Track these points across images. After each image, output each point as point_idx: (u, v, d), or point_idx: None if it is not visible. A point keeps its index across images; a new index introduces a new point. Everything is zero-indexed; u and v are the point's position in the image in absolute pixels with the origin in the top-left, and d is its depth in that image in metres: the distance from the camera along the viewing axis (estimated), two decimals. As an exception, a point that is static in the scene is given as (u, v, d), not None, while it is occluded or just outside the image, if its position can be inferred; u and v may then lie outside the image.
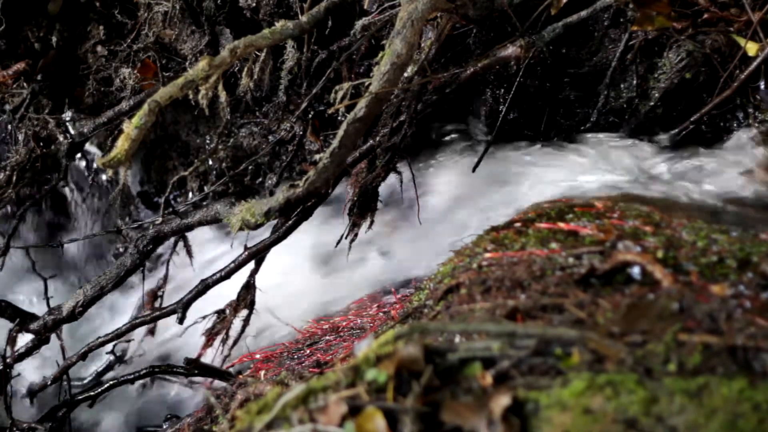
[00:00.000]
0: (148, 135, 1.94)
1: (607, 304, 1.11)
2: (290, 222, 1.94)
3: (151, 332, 2.51)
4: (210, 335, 2.08)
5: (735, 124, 2.27)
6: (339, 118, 2.34)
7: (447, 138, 2.56)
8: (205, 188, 2.92)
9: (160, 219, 2.02)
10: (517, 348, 0.93)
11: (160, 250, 2.33)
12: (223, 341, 2.09)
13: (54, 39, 2.72)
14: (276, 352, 2.25)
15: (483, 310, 1.22)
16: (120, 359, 2.62)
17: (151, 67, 2.69)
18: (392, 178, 2.21)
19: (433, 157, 2.54)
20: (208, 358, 2.15)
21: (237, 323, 2.10)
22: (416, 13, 1.75)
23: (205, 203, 2.76)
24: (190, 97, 1.74)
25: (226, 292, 2.07)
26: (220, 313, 2.07)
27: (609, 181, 2.16)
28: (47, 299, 2.44)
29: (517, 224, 1.54)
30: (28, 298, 2.86)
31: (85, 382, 2.61)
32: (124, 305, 2.82)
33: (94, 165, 3.04)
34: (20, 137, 2.61)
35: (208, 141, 2.90)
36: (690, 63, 2.24)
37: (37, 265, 2.59)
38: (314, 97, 2.52)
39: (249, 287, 2.06)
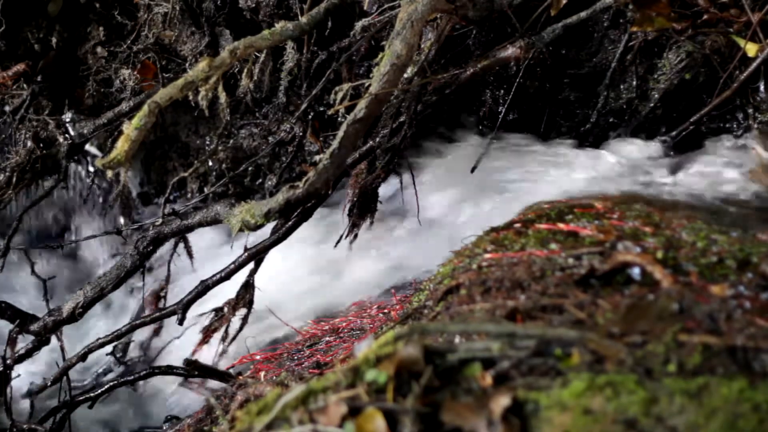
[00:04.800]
0: (148, 136, 1.94)
1: (606, 305, 1.11)
2: (290, 223, 1.94)
3: (157, 332, 2.52)
4: (207, 332, 2.08)
5: (735, 125, 2.27)
6: (339, 119, 2.34)
7: (447, 139, 2.56)
8: (205, 189, 2.91)
9: (160, 220, 2.01)
10: (517, 348, 0.93)
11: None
12: (222, 339, 2.10)
13: (54, 40, 2.72)
14: (276, 353, 2.25)
15: (483, 310, 1.22)
16: (120, 360, 2.61)
17: (151, 68, 2.68)
18: (392, 178, 2.21)
19: (432, 157, 2.54)
20: (207, 357, 2.15)
21: (236, 323, 2.10)
22: (416, 14, 1.75)
23: (205, 204, 2.76)
24: (190, 98, 1.74)
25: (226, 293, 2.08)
26: (218, 311, 2.07)
27: (609, 181, 2.16)
28: (47, 300, 2.44)
29: (517, 225, 1.54)
30: (28, 298, 2.85)
31: (85, 383, 2.61)
32: (124, 306, 2.82)
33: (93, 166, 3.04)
34: (20, 138, 2.61)
35: (208, 142, 2.90)
36: (690, 64, 2.24)
37: (36, 266, 2.58)
38: (314, 98, 2.52)
39: (248, 286, 2.06)
